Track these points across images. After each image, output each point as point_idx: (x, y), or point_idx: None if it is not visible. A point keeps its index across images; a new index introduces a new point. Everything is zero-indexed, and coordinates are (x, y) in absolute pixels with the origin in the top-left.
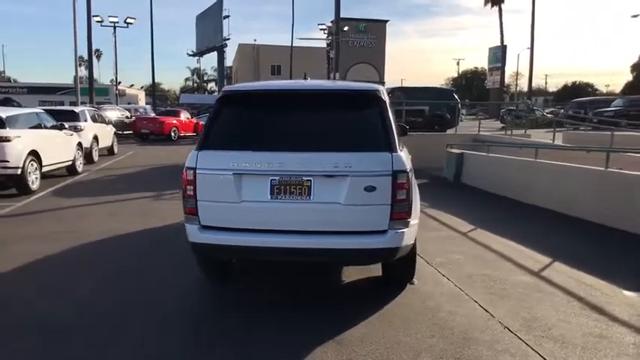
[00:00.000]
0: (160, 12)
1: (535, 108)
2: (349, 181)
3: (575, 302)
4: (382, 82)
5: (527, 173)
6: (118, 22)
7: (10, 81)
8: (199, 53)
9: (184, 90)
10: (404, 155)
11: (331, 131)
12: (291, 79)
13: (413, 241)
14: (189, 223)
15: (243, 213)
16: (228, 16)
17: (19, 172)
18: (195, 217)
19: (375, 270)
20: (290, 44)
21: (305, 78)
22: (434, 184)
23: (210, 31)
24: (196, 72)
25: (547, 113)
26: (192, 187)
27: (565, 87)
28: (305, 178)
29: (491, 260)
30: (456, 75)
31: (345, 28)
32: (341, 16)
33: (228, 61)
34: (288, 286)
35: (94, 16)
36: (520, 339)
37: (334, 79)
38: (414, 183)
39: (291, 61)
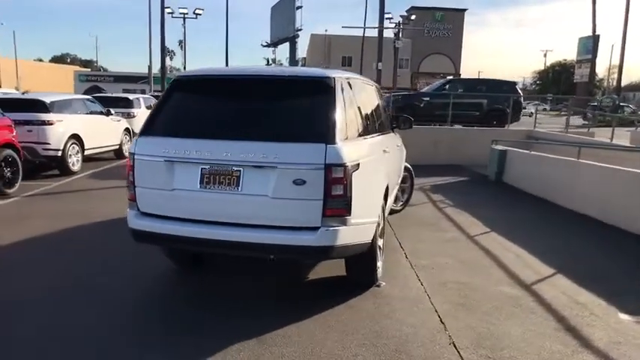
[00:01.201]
0: (238, 3)
1: (624, 104)
2: (277, 173)
3: (552, 322)
4: (458, 74)
5: (568, 174)
6: (187, 14)
7: (100, 70)
8: (273, 44)
9: None
10: (347, 148)
11: (270, 120)
12: (361, 70)
13: (360, 241)
14: (130, 209)
15: (175, 201)
16: (300, 7)
17: (59, 154)
18: (135, 203)
19: None
20: (362, 35)
21: (267, 64)
22: (473, 182)
23: (283, 21)
24: (272, 63)
25: None
26: (132, 173)
27: None
28: (235, 168)
29: (484, 267)
30: (542, 68)
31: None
32: (418, 5)
33: (303, 53)
34: (248, 280)
35: (165, 7)
36: (460, 357)
37: (377, 68)
38: (369, 177)
39: (362, 52)
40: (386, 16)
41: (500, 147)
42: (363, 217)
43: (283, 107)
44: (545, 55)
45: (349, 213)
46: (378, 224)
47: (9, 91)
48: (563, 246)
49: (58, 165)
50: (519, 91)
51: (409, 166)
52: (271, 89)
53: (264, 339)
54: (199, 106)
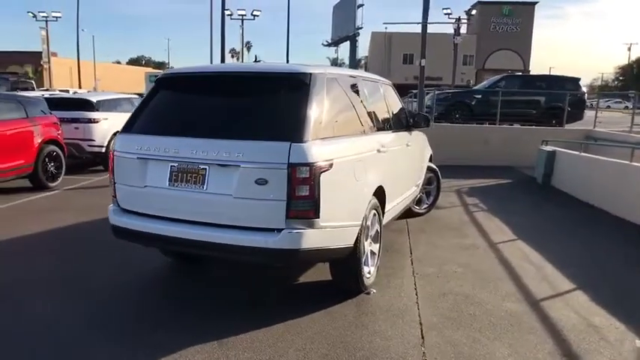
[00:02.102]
0: (303, 3)
1: None
2: (240, 172)
3: (549, 345)
4: (527, 71)
5: (618, 178)
6: (245, 15)
7: None
8: (334, 43)
9: None
10: (318, 147)
11: (239, 117)
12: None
13: (336, 246)
14: (112, 204)
15: (146, 198)
16: (362, 5)
17: (103, 150)
18: (115, 199)
19: None
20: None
21: (256, 60)
22: (517, 184)
23: (344, 20)
24: (335, 62)
25: None
26: (113, 170)
27: None
28: (201, 166)
29: (495, 279)
30: (626, 62)
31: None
32: None
33: (365, 51)
34: (236, 279)
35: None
36: None
37: (420, 64)
38: (348, 177)
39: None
40: (445, 11)
41: (549, 148)
42: (339, 220)
43: (253, 104)
44: (629, 49)
45: (317, 215)
46: (366, 227)
47: (83, 91)
48: (595, 259)
49: (101, 161)
50: (582, 88)
51: (435, 167)
52: (244, 86)
53: (227, 342)
54: (175, 103)
